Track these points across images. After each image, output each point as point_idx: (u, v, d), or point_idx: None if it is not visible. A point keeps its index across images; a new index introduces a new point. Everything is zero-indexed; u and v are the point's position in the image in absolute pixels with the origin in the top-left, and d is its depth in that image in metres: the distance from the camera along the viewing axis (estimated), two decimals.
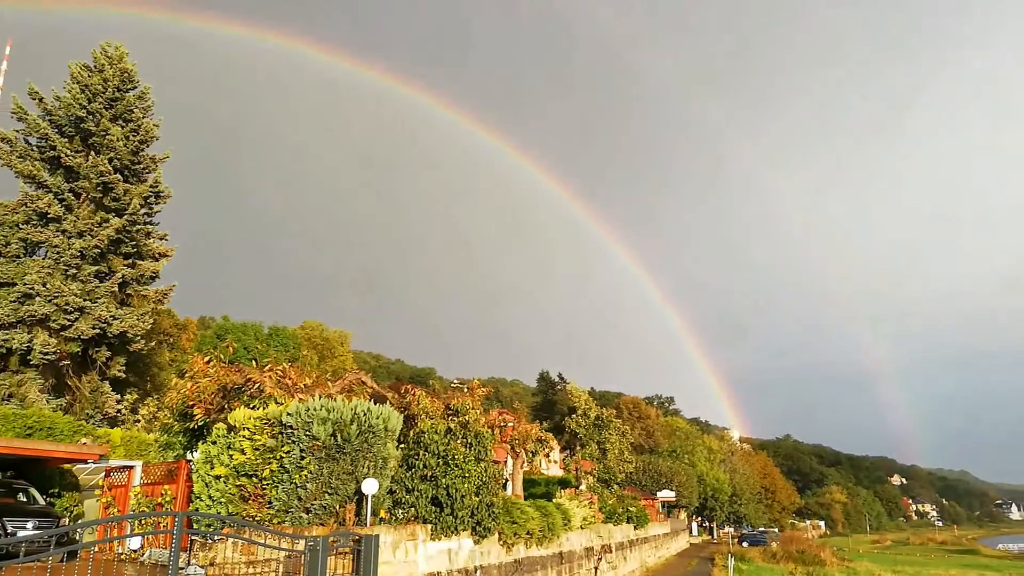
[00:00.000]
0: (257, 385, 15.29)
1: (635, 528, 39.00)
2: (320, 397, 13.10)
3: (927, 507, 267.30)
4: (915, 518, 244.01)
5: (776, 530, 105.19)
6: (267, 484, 12.29)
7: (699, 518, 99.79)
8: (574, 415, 43.33)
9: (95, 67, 31.30)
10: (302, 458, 12.11)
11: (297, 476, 12.05)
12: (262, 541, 10.81)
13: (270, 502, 12.17)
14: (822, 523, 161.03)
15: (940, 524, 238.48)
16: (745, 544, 74.40)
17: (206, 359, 16.63)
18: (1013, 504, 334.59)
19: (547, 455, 34.14)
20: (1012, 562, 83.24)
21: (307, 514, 12.09)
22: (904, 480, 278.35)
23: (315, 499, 12.10)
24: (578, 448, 42.20)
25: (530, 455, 28.07)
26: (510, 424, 27.02)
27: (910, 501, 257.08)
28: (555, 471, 53.22)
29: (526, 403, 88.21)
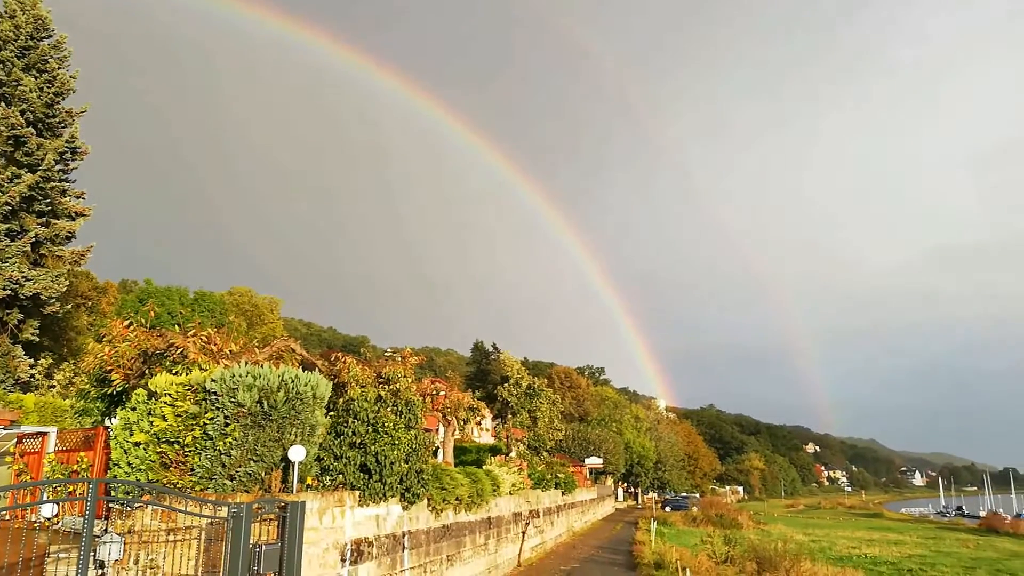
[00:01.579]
0: (180, 350, 14.88)
1: (563, 494, 39.90)
2: (246, 363, 12.85)
3: (838, 473, 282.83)
4: (827, 484, 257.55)
5: (697, 495, 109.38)
6: (189, 451, 12.05)
7: (625, 484, 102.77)
8: (506, 384, 43.74)
9: (6, 13, 29.31)
10: (226, 425, 11.89)
11: (221, 443, 11.84)
12: (183, 508, 10.63)
13: (192, 469, 11.94)
14: (741, 488, 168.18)
15: (850, 489, 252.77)
16: (668, 509, 77.16)
17: (126, 323, 16.06)
18: (916, 471, 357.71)
19: (479, 423, 34.49)
20: (913, 525, 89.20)
21: (231, 481, 11.91)
22: (818, 448, 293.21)
23: (240, 466, 11.93)
24: (509, 416, 42.71)
25: (461, 423, 28.28)
26: (442, 392, 27.12)
27: (823, 468, 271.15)
28: (487, 439, 53.75)
29: (460, 372, 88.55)
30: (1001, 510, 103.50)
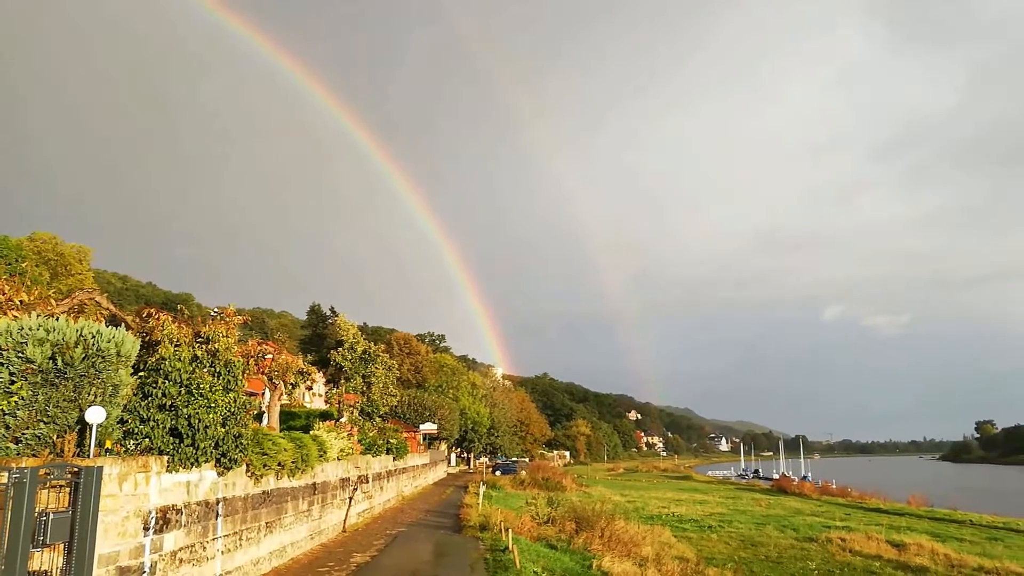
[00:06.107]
0: None
1: (394, 459, 39.90)
2: (39, 315, 11.60)
3: (656, 439, 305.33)
4: (645, 449, 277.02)
5: (527, 460, 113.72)
6: None
7: (459, 449, 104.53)
8: (340, 348, 42.74)
9: None
10: (12, 382, 10.70)
11: (5, 402, 10.65)
12: None
13: None
14: (568, 453, 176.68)
15: (665, 454, 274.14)
16: (498, 473, 79.52)
17: None
18: (723, 438, 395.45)
19: (309, 388, 33.50)
20: (716, 486, 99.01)
21: (16, 444, 10.77)
22: (639, 415, 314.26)
23: (27, 428, 10.80)
24: (343, 382, 41.81)
25: (290, 387, 27.33)
26: (269, 355, 26.06)
27: (643, 434, 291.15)
28: (319, 404, 52.52)
29: (295, 336, 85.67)
30: (791, 473, 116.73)
